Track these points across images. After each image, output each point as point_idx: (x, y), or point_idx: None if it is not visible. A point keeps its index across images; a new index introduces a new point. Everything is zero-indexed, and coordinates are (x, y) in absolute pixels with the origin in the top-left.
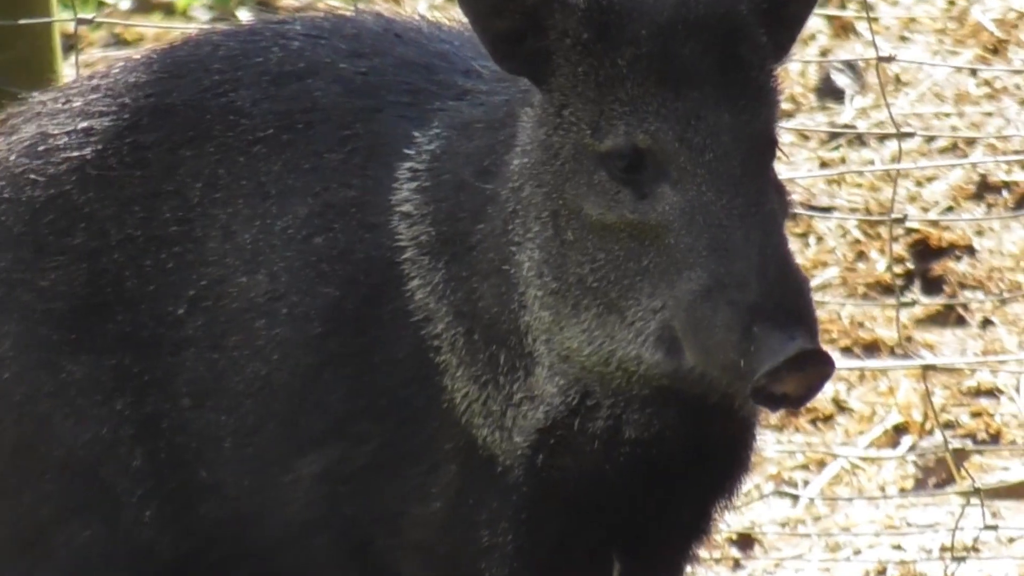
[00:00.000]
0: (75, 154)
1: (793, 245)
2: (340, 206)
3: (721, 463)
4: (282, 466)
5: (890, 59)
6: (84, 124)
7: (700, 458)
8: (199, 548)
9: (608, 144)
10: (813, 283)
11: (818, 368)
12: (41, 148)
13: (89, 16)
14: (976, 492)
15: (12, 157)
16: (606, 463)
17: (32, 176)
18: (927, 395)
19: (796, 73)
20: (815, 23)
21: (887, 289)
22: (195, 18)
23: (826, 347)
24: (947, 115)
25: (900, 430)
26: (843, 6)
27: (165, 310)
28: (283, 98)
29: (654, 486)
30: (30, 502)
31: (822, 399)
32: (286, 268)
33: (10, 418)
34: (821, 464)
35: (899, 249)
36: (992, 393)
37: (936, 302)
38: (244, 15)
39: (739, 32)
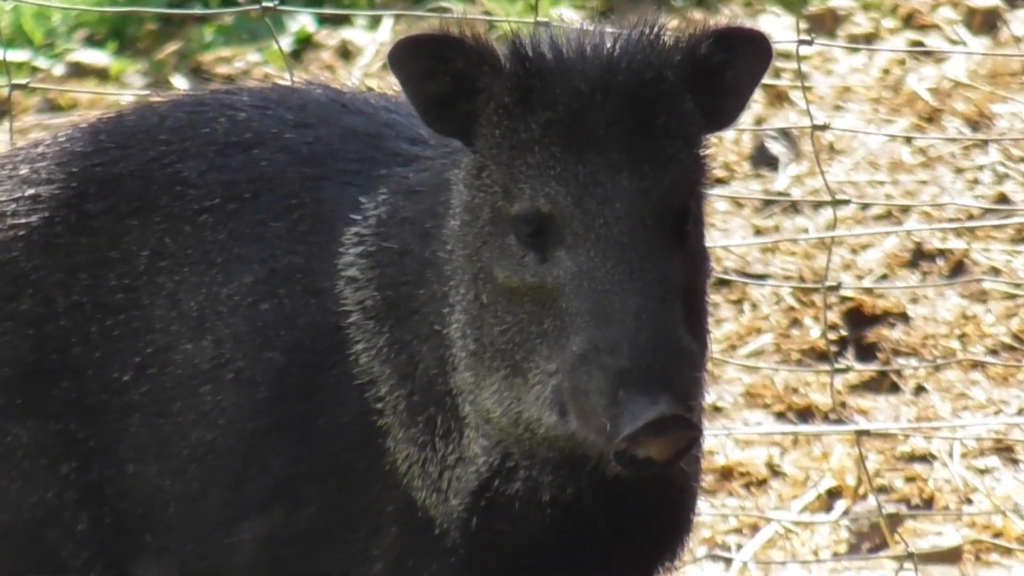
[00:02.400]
0: (22, 221)
1: (727, 312)
2: (285, 272)
3: (657, 525)
4: (226, 530)
5: (825, 127)
6: (31, 191)
7: (631, 520)
8: None
9: (516, 208)
10: (747, 349)
11: (679, 432)
12: None
13: (23, 81)
14: (910, 557)
15: None
16: (533, 526)
17: None
18: (861, 460)
19: (730, 141)
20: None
21: (821, 356)
22: (129, 84)
23: (760, 412)
24: (882, 183)
25: (834, 494)
26: (777, 75)
27: (111, 376)
28: (230, 168)
29: (587, 549)
30: None
31: (756, 463)
32: (232, 334)
33: None
34: (755, 528)
35: (833, 316)
36: (925, 458)
37: (870, 368)
38: (178, 81)
39: (659, 100)
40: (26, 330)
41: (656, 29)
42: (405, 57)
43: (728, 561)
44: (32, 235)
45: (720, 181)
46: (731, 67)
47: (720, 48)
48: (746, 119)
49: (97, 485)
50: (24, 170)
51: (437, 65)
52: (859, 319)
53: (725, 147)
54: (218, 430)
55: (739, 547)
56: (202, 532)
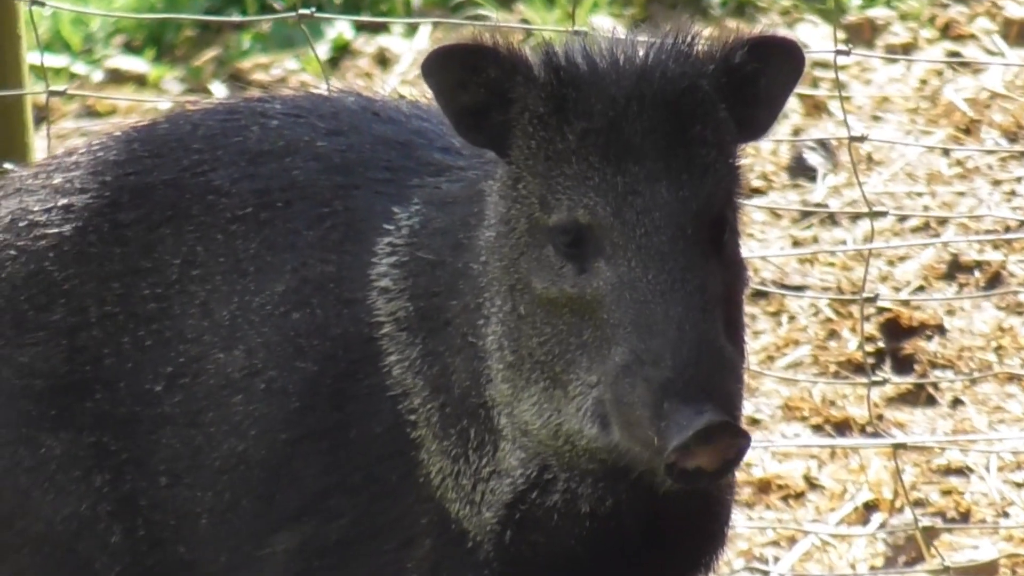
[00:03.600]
0: (54, 230)
1: (765, 323)
2: (318, 282)
3: (692, 537)
4: (258, 542)
5: (863, 138)
6: (64, 201)
7: (666, 532)
8: None
9: (554, 219)
10: (784, 361)
11: (727, 440)
12: (21, 224)
13: (61, 88)
14: (946, 570)
15: None
16: (570, 538)
17: (12, 252)
18: (897, 473)
19: (768, 152)
20: (788, 102)
21: (858, 368)
22: (167, 90)
23: (798, 424)
24: (919, 195)
25: (870, 507)
26: (815, 85)
27: (143, 387)
28: (262, 177)
29: (621, 562)
30: None
31: (794, 476)
32: (263, 344)
33: None
34: (792, 541)
35: (870, 328)
36: (962, 472)
37: (907, 381)
38: (216, 88)
39: (694, 109)
40: (59, 340)
41: (690, 38)
42: (438, 68)
43: (765, 574)
44: (65, 245)
45: (758, 191)
46: (764, 76)
47: (753, 57)
48: (784, 129)
49: (130, 497)
50: (58, 179)
51: (470, 76)
52: (896, 331)
53: (763, 157)
54: (249, 440)
55: (776, 560)
56: (234, 544)
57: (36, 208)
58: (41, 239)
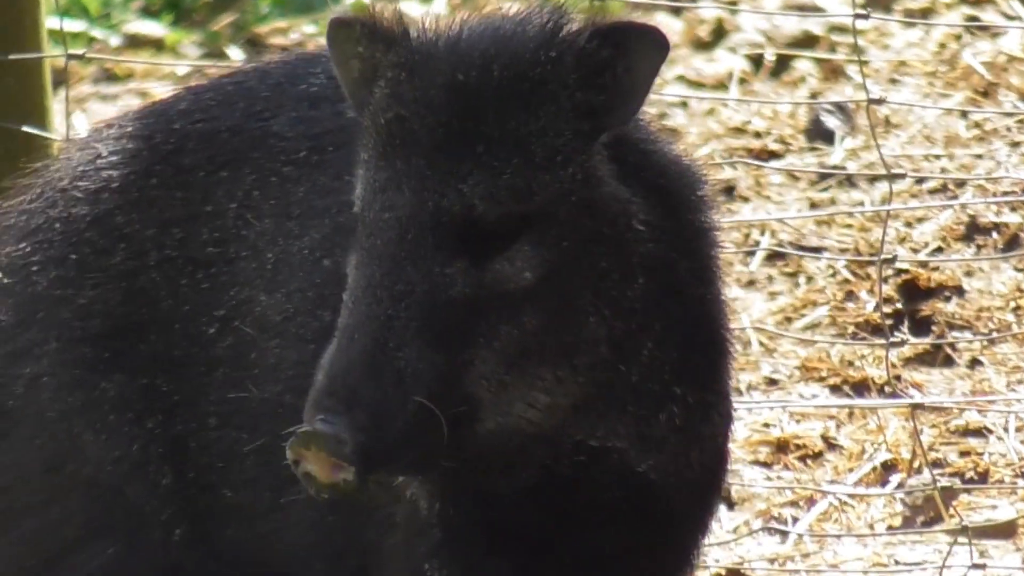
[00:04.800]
0: (118, 173)
1: (782, 284)
2: (346, 230)
3: (640, 521)
4: (290, 488)
5: (880, 101)
6: (132, 146)
7: (605, 511)
8: (222, 570)
9: (354, 208)
10: (802, 323)
11: (325, 452)
12: (88, 170)
13: (79, 51)
14: (964, 530)
15: (65, 180)
16: (503, 504)
17: (79, 195)
18: (916, 433)
19: (786, 114)
20: (805, 66)
21: (876, 329)
22: (185, 54)
23: (816, 385)
24: (937, 157)
25: (889, 468)
26: (833, 49)
27: (197, 330)
28: (318, 120)
29: (576, 524)
30: (56, 520)
31: (812, 436)
32: (298, 288)
33: (44, 435)
34: (810, 501)
35: (888, 289)
36: (980, 432)
37: (925, 342)
38: (234, 53)
39: (506, 102)
40: (118, 283)
41: (547, 24)
42: (328, 41)
43: (784, 534)
44: (129, 189)
45: (775, 154)
46: (621, 62)
47: (607, 44)
48: (802, 93)
49: (181, 439)
50: (130, 128)
51: (349, 51)
52: (914, 292)
53: (781, 120)
54: (282, 384)
55: (795, 520)
56: (276, 485)
57: (104, 153)
58: (105, 183)
